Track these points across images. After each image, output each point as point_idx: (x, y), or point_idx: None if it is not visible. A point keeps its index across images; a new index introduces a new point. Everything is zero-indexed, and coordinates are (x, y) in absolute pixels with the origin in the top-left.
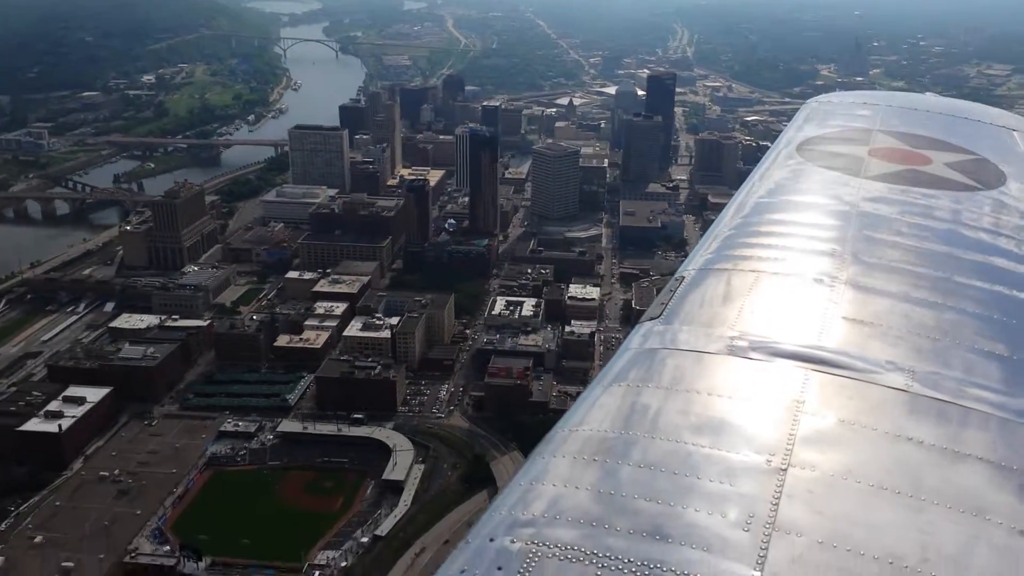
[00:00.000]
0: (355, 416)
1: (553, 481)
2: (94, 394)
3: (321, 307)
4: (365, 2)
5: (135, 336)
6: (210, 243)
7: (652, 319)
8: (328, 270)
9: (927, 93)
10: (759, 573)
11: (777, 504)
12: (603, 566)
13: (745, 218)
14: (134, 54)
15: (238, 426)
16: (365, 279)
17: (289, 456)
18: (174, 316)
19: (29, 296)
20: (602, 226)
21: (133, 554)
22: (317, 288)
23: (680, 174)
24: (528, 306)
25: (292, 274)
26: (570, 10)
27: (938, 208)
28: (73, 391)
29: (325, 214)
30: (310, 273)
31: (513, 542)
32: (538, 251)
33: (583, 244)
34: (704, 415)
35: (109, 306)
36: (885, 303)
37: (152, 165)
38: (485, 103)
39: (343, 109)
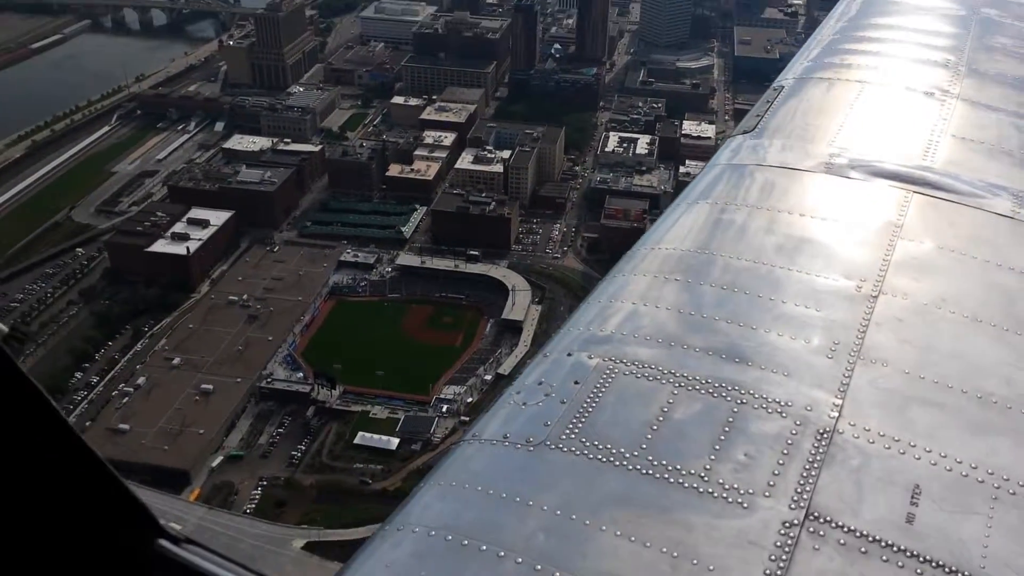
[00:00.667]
0: (471, 252)
1: (632, 299)
2: (217, 217)
3: (430, 136)
4: None
5: (249, 158)
6: (311, 61)
7: (745, 132)
8: (434, 96)
9: None
10: (840, 401)
11: (864, 332)
12: (680, 385)
13: (853, 21)
14: None
15: (357, 256)
16: (472, 107)
17: (407, 289)
18: (286, 140)
19: (139, 112)
20: (714, 55)
21: (269, 379)
22: (424, 116)
23: None
24: (642, 143)
25: (397, 99)
26: None
27: None
28: (196, 213)
29: (428, 35)
30: (415, 99)
31: (590, 357)
32: (648, 82)
33: (695, 75)
34: (793, 236)
35: (219, 125)
36: (1000, 122)
37: None
38: None
39: None
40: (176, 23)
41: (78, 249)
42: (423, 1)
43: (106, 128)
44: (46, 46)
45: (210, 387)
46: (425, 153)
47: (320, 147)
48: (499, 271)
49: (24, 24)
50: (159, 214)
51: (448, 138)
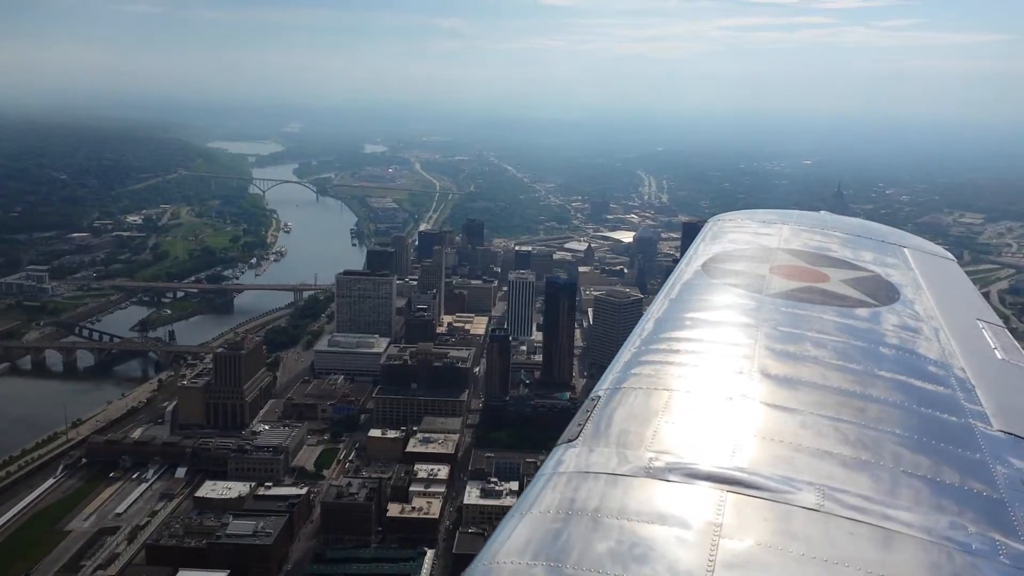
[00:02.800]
0: None
1: None
2: None
3: (423, 470)
4: (327, 145)
5: (225, 507)
6: (265, 398)
7: (569, 441)
8: (413, 428)
9: (822, 212)
10: None
11: None
12: None
13: (655, 335)
14: (114, 194)
15: None
16: (454, 437)
17: None
18: (266, 483)
19: (84, 461)
20: None
21: None
22: (410, 449)
23: None
24: None
25: (374, 432)
26: (532, 155)
27: (838, 324)
28: None
29: (396, 366)
30: (393, 431)
31: None
32: None
33: None
34: (624, 541)
35: (180, 471)
36: (795, 420)
37: (169, 311)
38: (517, 248)
39: (372, 253)
40: (103, 363)
41: None
42: (371, 333)
43: (51, 481)
44: None
45: None
46: (421, 489)
47: (306, 489)
48: None
49: None
50: None
51: (443, 471)
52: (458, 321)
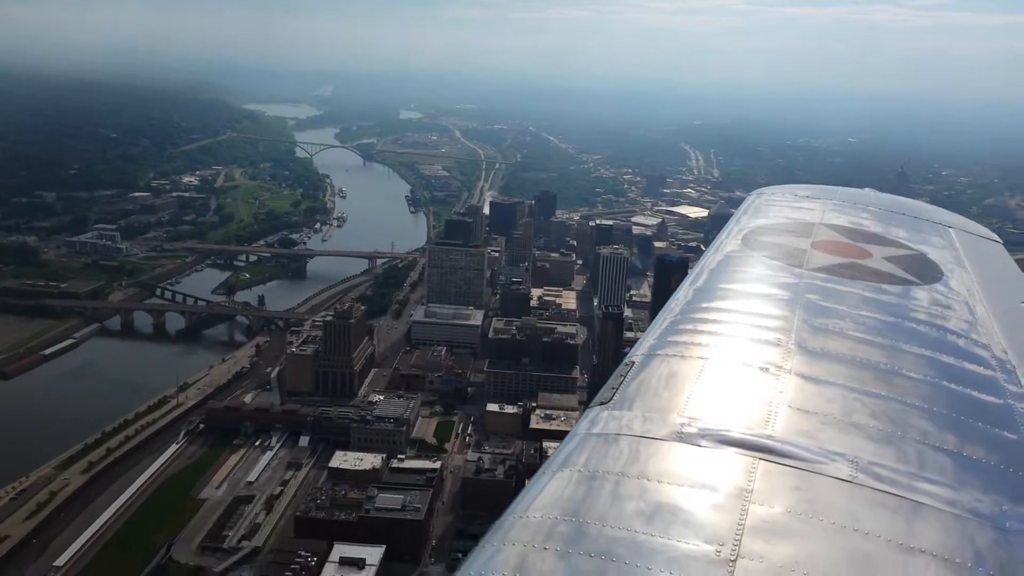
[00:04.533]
0: None
1: (503, 571)
2: (372, 554)
3: (551, 447)
4: (363, 110)
5: (359, 479)
6: (368, 367)
7: (602, 403)
8: (533, 404)
9: (866, 188)
10: None
11: None
12: None
13: (692, 304)
14: (168, 154)
15: None
16: (574, 414)
17: None
18: (398, 456)
19: (201, 426)
20: None
21: None
22: (534, 425)
23: None
24: None
25: (492, 407)
26: (570, 126)
27: (879, 301)
28: (344, 551)
29: (506, 340)
30: (510, 406)
31: None
32: None
33: None
34: (653, 503)
35: (304, 440)
36: (830, 393)
37: (248, 275)
38: (587, 220)
39: (450, 223)
40: (193, 327)
41: None
42: (463, 304)
43: (174, 447)
44: (58, 352)
45: None
46: None
47: (439, 463)
48: None
49: (25, 327)
50: (302, 554)
51: None
52: (548, 295)
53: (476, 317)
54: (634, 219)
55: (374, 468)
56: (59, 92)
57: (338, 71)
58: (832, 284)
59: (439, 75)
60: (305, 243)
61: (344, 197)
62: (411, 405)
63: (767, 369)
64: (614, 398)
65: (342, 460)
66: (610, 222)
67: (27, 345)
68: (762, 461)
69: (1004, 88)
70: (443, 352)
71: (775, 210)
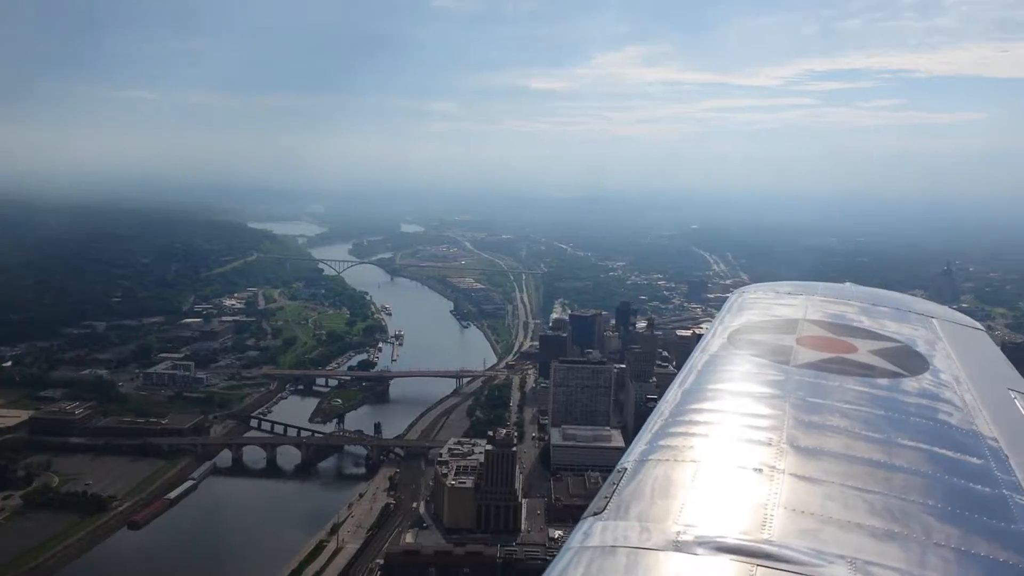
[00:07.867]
0: None
1: None
2: None
3: None
4: (364, 225)
5: None
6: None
7: (595, 514)
8: None
9: (847, 283)
10: None
11: None
12: None
13: (682, 407)
14: (202, 278)
15: None
16: None
17: None
18: None
19: (379, 574)
20: None
21: None
22: None
23: None
24: None
25: None
26: (577, 234)
27: (867, 395)
28: None
29: None
30: None
31: None
32: None
33: None
34: None
35: None
36: (824, 492)
37: (339, 401)
38: (679, 332)
39: (544, 338)
40: (308, 461)
41: None
42: (587, 424)
43: None
44: (181, 495)
45: None
46: None
47: None
48: None
49: (136, 468)
50: None
51: None
52: None
53: (617, 438)
54: (702, 326)
55: None
56: (75, 221)
57: (322, 187)
58: (820, 380)
59: (424, 187)
60: (374, 364)
61: (390, 314)
62: None
63: (760, 470)
64: (607, 507)
65: None
66: (688, 331)
67: (148, 490)
68: (760, 567)
69: (960, 184)
70: (598, 478)
71: (759, 308)
